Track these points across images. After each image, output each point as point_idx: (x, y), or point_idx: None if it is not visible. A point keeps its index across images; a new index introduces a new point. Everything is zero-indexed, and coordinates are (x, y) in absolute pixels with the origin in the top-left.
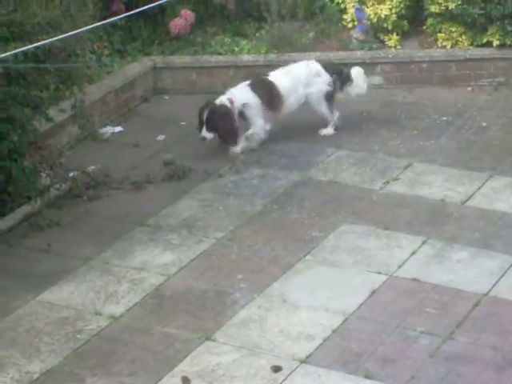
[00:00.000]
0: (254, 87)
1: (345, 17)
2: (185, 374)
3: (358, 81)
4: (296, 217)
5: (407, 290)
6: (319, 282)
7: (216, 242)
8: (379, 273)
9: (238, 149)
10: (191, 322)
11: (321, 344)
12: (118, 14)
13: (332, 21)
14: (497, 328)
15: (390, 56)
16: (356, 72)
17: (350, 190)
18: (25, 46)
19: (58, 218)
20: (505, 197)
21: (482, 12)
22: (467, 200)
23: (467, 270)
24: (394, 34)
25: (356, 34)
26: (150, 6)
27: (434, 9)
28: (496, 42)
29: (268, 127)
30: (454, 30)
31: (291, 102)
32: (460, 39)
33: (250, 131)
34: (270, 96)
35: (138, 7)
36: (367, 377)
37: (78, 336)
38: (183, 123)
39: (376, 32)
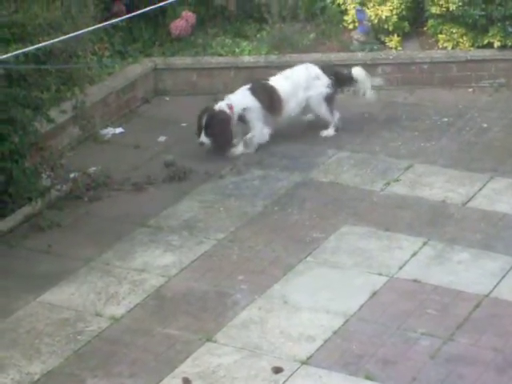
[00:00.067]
0: (254, 91)
1: (346, 18)
2: (185, 376)
3: (361, 80)
4: (297, 218)
5: (408, 291)
6: (320, 284)
7: (217, 243)
8: (380, 274)
9: (237, 151)
10: (192, 323)
11: (322, 345)
12: (119, 16)
13: (333, 22)
14: (498, 329)
15: (390, 57)
16: (357, 72)
17: (350, 191)
18: (26, 47)
19: (58, 219)
20: (506, 198)
21: (482, 13)
22: (468, 201)
23: (468, 272)
24: (395, 35)
25: (357, 35)
26: (151, 7)
27: (434, 10)
28: (497, 44)
29: (270, 131)
30: (454, 31)
31: (292, 106)
32: (461, 40)
33: (249, 135)
34: (270, 100)
35: (139, 8)
36: (368, 378)
37: (79, 337)
38: (184, 124)
39: (377, 33)
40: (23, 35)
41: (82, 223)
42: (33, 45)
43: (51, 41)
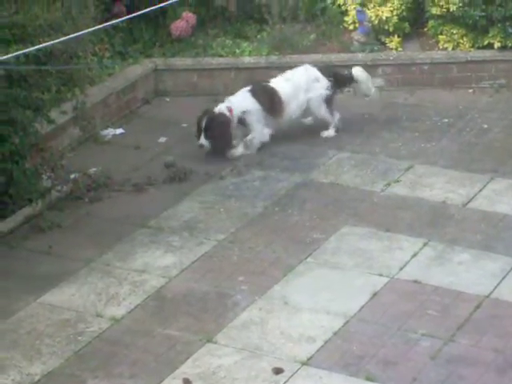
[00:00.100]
0: (254, 93)
1: (346, 19)
2: (186, 377)
3: (361, 80)
4: (297, 219)
5: (408, 292)
6: (320, 284)
7: (217, 244)
8: (380, 275)
9: (237, 152)
10: (192, 324)
11: (322, 346)
12: (120, 16)
13: (333, 23)
14: (498, 330)
15: (391, 58)
16: (357, 72)
17: (351, 192)
18: (26, 48)
19: (59, 220)
20: (506, 199)
21: (483, 14)
22: (468, 202)
23: (469, 272)
24: (396, 36)
25: (357, 35)
26: (151, 8)
27: (435, 11)
28: (497, 44)
29: (271, 131)
30: (455, 32)
31: (293, 108)
32: (461, 41)
33: (249, 137)
34: (271, 102)
35: (139, 9)
36: (368, 379)
37: (79, 338)
38: (184, 125)
39: (377, 34)
40: (24, 36)
41: (83, 224)
42: (33, 46)
43: (52, 42)
